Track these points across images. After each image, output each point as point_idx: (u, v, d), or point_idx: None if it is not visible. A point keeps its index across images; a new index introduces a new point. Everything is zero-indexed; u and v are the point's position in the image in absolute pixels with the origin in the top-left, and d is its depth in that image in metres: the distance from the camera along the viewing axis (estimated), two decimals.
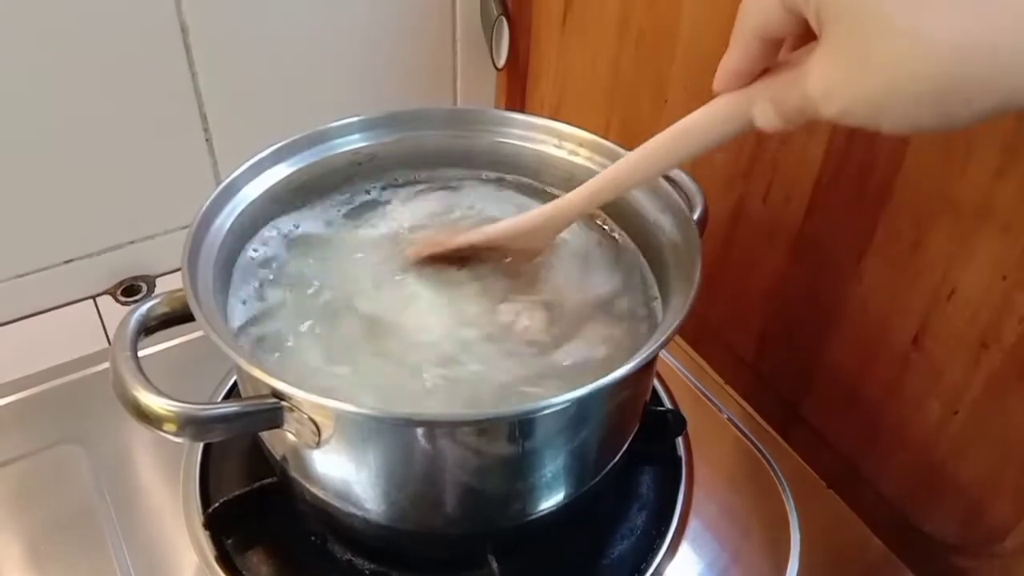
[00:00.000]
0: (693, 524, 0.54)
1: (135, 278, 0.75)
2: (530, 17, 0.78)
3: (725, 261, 0.65)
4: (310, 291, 0.51)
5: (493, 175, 0.60)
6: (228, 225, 0.49)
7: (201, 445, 0.57)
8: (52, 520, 0.54)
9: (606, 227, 0.56)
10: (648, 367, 0.49)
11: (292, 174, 0.54)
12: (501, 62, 0.81)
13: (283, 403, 0.40)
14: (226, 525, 0.51)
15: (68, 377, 0.63)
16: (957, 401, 0.50)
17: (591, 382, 0.39)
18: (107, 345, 0.72)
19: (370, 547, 0.51)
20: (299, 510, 0.51)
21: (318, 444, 0.41)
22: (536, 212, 0.49)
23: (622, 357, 0.39)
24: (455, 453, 0.42)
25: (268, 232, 0.54)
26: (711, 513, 0.55)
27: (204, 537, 0.51)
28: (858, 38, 0.30)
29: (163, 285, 0.76)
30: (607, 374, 0.39)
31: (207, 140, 0.72)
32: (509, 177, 0.59)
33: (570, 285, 0.51)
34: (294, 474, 0.47)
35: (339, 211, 0.57)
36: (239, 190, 0.51)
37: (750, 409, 0.63)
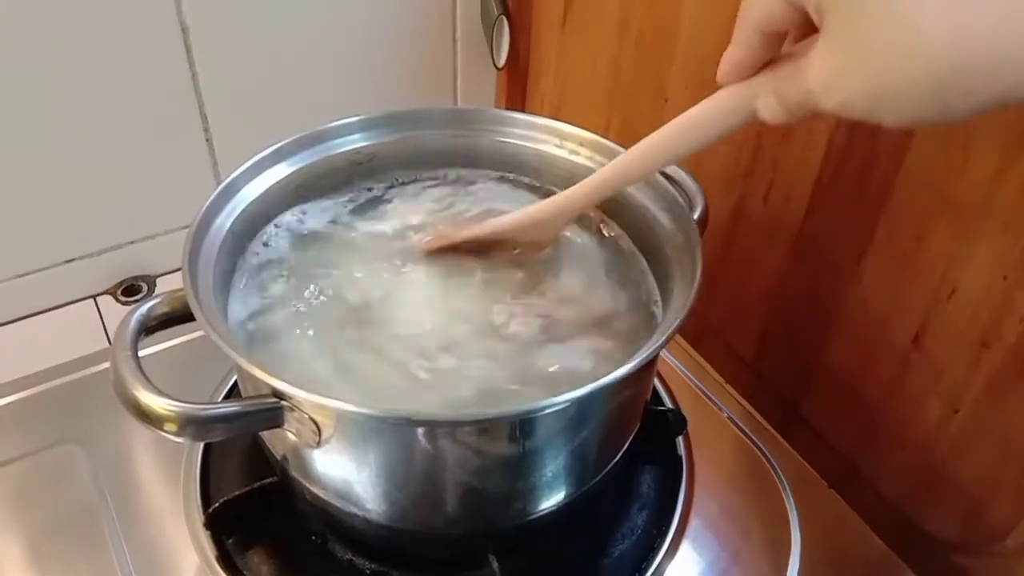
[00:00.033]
0: (694, 523, 0.54)
1: (135, 278, 0.75)
2: (530, 17, 0.78)
3: (725, 261, 0.65)
4: (310, 286, 0.51)
5: (495, 174, 0.60)
6: (228, 225, 0.49)
7: (201, 445, 0.57)
8: (52, 520, 0.54)
9: (612, 233, 0.56)
10: (649, 366, 0.49)
11: (292, 174, 0.54)
12: (501, 62, 0.81)
13: (283, 403, 0.40)
14: (227, 525, 0.51)
15: (68, 377, 0.63)
16: (957, 400, 0.50)
17: (588, 383, 0.39)
18: (107, 345, 0.72)
19: (371, 547, 0.51)
20: (300, 510, 0.51)
21: (318, 444, 0.41)
22: (543, 204, 0.50)
23: (607, 371, 0.39)
24: (456, 453, 0.42)
25: (271, 230, 0.54)
26: (712, 512, 0.55)
27: (205, 537, 0.51)
28: (857, 30, 0.31)
29: (163, 285, 0.76)
30: (606, 374, 0.39)
31: (207, 140, 0.72)
32: (511, 176, 0.59)
33: (569, 295, 0.51)
34: (295, 474, 0.47)
35: (344, 208, 0.57)
36: (239, 190, 0.51)
37: (750, 408, 0.63)
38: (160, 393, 0.38)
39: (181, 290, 0.43)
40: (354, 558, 0.51)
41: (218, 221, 0.49)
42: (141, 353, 0.41)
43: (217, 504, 0.51)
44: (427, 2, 0.76)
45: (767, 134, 0.57)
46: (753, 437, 0.60)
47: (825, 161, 0.53)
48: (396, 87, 0.79)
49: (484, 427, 0.41)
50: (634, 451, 0.51)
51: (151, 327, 0.44)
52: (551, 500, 0.46)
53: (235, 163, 0.51)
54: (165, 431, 0.38)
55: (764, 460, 0.59)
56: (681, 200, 0.50)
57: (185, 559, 0.51)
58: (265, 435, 0.48)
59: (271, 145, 0.53)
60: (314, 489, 0.46)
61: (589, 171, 0.53)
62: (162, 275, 0.76)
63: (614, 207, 0.55)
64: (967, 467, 0.51)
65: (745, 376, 0.66)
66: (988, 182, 0.44)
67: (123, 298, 0.74)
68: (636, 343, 0.47)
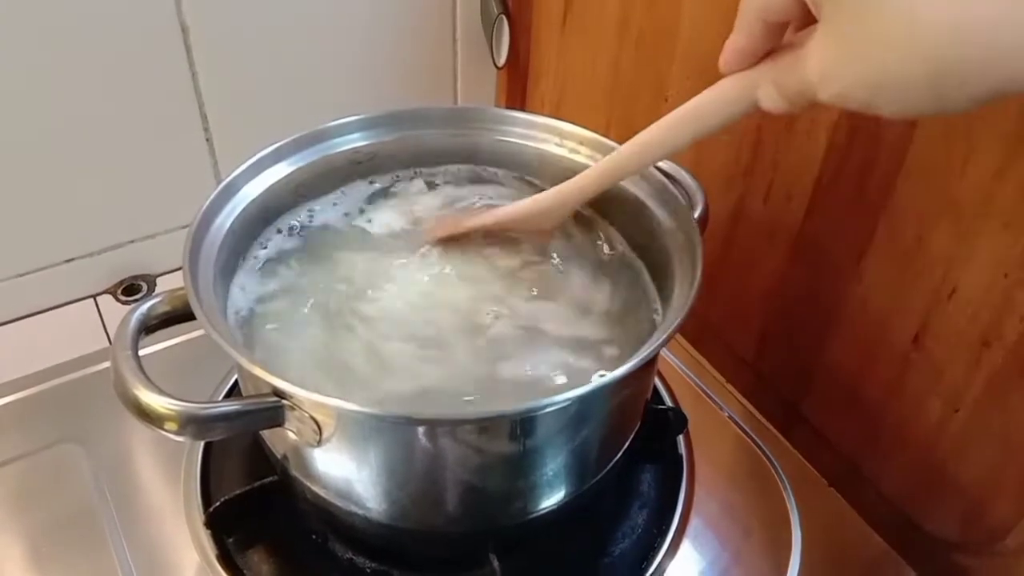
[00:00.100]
0: (694, 522, 0.54)
1: (135, 277, 0.75)
2: (530, 16, 0.78)
3: (725, 260, 0.65)
4: (310, 278, 0.52)
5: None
6: (228, 224, 0.49)
7: (202, 444, 0.57)
8: (53, 520, 0.54)
9: (618, 248, 0.56)
10: (649, 365, 0.49)
11: (292, 173, 0.54)
12: (501, 61, 0.81)
13: (284, 402, 0.40)
14: (227, 524, 0.51)
15: (68, 376, 0.63)
16: (958, 400, 0.50)
17: (587, 384, 0.39)
18: (107, 344, 0.72)
19: (371, 546, 0.51)
20: (300, 509, 0.51)
21: (319, 443, 0.41)
22: (546, 194, 0.50)
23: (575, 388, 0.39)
24: (456, 451, 0.42)
25: (272, 227, 0.54)
26: (712, 511, 0.55)
27: (205, 536, 0.51)
28: (855, 20, 0.31)
29: (163, 284, 0.76)
30: (606, 374, 0.39)
31: (207, 140, 0.72)
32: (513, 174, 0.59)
33: (562, 309, 0.50)
34: (295, 473, 0.47)
35: (347, 203, 0.57)
36: (239, 189, 0.51)
37: (751, 407, 0.63)
38: (161, 392, 0.38)
39: (181, 289, 0.43)
40: (355, 557, 0.51)
41: (218, 220, 0.49)
42: (141, 352, 0.41)
43: (217, 503, 0.51)
44: (427, 2, 0.76)
45: (767, 133, 0.57)
46: (754, 436, 0.60)
47: (825, 161, 0.53)
48: (396, 86, 0.79)
49: (485, 426, 0.41)
50: (635, 450, 0.51)
51: (151, 326, 0.44)
52: (552, 499, 0.46)
53: (235, 162, 0.51)
54: (166, 430, 0.38)
55: (765, 459, 0.59)
56: (681, 199, 0.50)
57: (185, 558, 0.51)
58: (265, 434, 0.48)
59: (271, 144, 0.53)
60: (315, 488, 0.46)
61: None
62: (162, 274, 0.76)
63: (614, 206, 0.55)
64: (967, 466, 0.51)
65: (745, 375, 0.66)
66: (988, 182, 0.44)
67: (123, 297, 0.74)
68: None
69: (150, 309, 0.44)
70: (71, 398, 0.62)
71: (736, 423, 0.62)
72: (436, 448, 0.41)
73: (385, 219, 0.56)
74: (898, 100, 0.31)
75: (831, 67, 0.32)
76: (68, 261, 0.71)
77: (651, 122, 0.44)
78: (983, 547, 0.51)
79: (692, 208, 0.50)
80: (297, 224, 0.55)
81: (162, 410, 0.38)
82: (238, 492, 0.51)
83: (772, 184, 0.58)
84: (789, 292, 0.60)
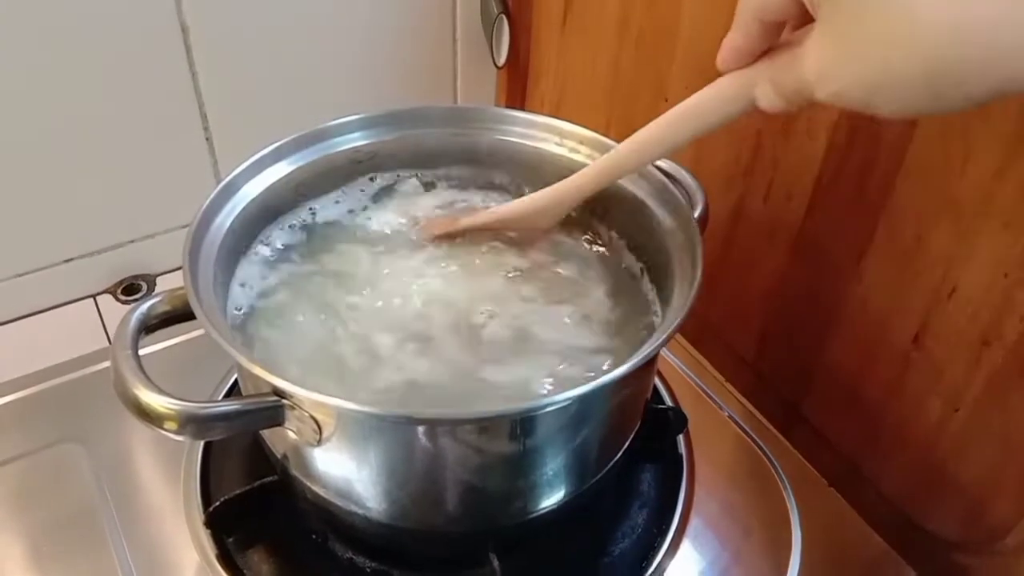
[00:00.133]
0: (694, 522, 0.54)
1: (135, 277, 0.75)
2: (530, 16, 0.78)
3: (725, 260, 0.65)
4: (309, 275, 0.52)
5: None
6: (229, 224, 0.49)
7: (202, 444, 0.57)
8: (53, 519, 0.54)
9: (619, 252, 0.55)
10: (649, 365, 0.49)
11: (292, 172, 0.54)
12: (501, 61, 0.81)
13: (284, 401, 0.40)
14: (227, 523, 0.51)
15: (68, 376, 0.63)
16: (958, 399, 0.50)
17: (588, 383, 0.39)
18: (107, 344, 0.72)
19: (371, 545, 0.51)
20: (300, 508, 0.51)
21: (319, 442, 0.41)
22: (542, 193, 0.50)
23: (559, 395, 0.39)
24: (456, 451, 0.42)
25: (273, 226, 0.54)
26: (712, 511, 0.55)
27: (205, 535, 0.51)
28: (853, 19, 0.30)
29: (163, 284, 0.76)
30: (606, 374, 0.39)
31: (207, 139, 0.72)
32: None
33: (558, 314, 0.50)
34: (295, 472, 0.47)
35: (349, 202, 0.57)
36: (239, 188, 0.51)
37: (751, 407, 0.63)
38: (161, 392, 0.38)
39: (181, 288, 0.43)
40: (354, 556, 0.51)
41: (218, 220, 0.49)
42: (141, 352, 0.41)
43: (217, 503, 0.51)
44: (427, 1, 0.76)
45: (767, 133, 0.57)
46: (754, 436, 0.60)
47: (825, 160, 0.53)
48: (396, 86, 0.79)
49: (485, 425, 0.41)
50: (635, 449, 0.51)
51: (151, 326, 0.44)
52: (552, 498, 0.46)
53: (235, 162, 0.51)
54: (165, 430, 0.38)
55: (765, 459, 0.59)
56: (682, 198, 0.50)
57: (185, 558, 0.51)
58: (265, 434, 0.48)
59: (271, 144, 0.53)
60: (314, 488, 0.46)
61: None
62: (162, 274, 0.76)
63: (614, 205, 0.55)
64: (968, 466, 0.51)
65: (745, 375, 0.66)
66: (988, 181, 0.44)
67: (123, 297, 0.74)
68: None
69: (150, 309, 0.44)
70: (71, 398, 0.62)
71: (736, 423, 0.62)
72: (436, 448, 0.41)
73: (386, 218, 0.56)
74: (896, 99, 0.31)
75: (828, 66, 0.32)
76: (68, 261, 0.71)
77: (651, 121, 0.44)
78: (983, 546, 0.51)
79: (692, 208, 0.50)
80: (297, 222, 0.55)
81: (162, 409, 0.38)
82: (238, 492, 0.51)
83: (772, 184, 0.58)
84: (789, 292, 0.60)
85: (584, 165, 0.55)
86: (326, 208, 0.56)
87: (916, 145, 0.47)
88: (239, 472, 0.55)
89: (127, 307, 0.45)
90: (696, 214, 0.50)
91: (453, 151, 0.59)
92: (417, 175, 0.59)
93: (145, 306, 0.44)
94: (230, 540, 0.51)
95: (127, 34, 0.64)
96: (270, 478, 0.51)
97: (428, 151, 0.59)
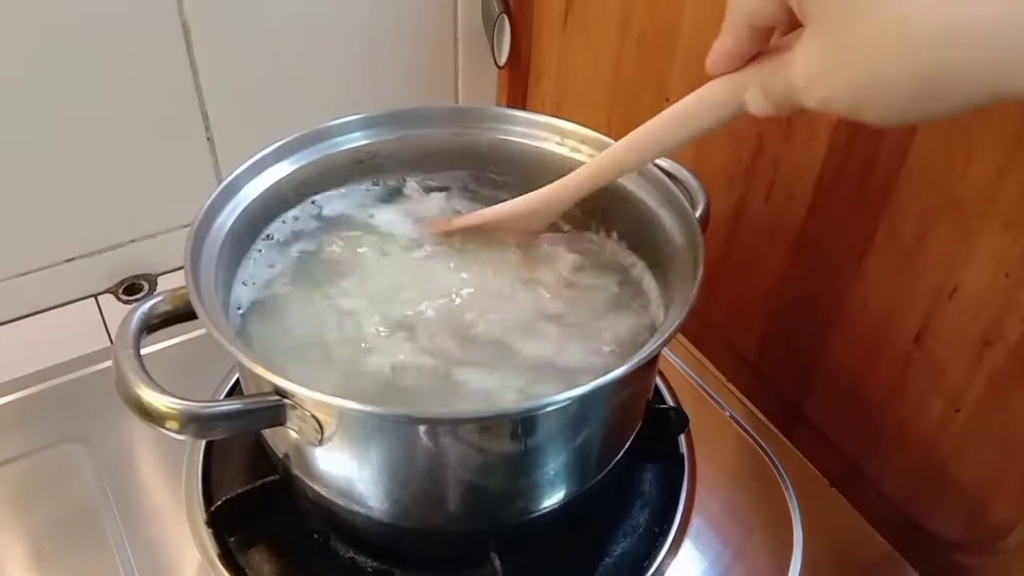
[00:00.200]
0: (696, 522, 0.54)
1: (137, 277, 0.75)
2: (531, 15, 0.78)
3: (727, 260, 0.65)
4: (309, 273, 0.53)
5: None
6: (230, 223, 0.49)
7: (203, 443, 0.57)
8: (54, 519, 0.54)
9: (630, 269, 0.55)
10: (650, 365, 0.49)
11: (293, 172, 0.54)
12: (502, 60, 0.81)
13: (286, 400, 0.40)
14: (228, 523, 0.51)
15: (70, 376, 0.63)
16: (959, 399, 0.50)
17: (589, 381, 0.39)
18: (109, 344, 0.72)
19: (372, 545, 0.51)
20: (302, 508, 0.51)
21: (320, 441, 0.41)
22: (535, 194, 0.50)
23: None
24: (457, 450, 0.42)
25: (274, 224, 0.54)
26: (713, 511, 0.55)
27: (207, 535, 0.51)
28: (841, 24, 0.30)
29: (164, 284, 0.76)
30: (606, 373, 0.39)
31: (208, 139, 0.72)
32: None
33: (550, 334, 0.49)
34: (296, 472, 0.47)
35: (350, 201, 0.58)
36: (240, 188, 0.51)
37: (752, 407, 0.63)
38: (162, 391, 0.38)
39: (183, 288, 0.43)
40: (356, 556, 0.51)
41: (219, 219, 0.49)
42: (143, 351, 0.41)
43: (219, 502, 0.51)
44: (428, 1, 0.76)
45: (768, 133, 0.57)
46: (755, 436, 0.60)
47: (827, 160, 0.53)
48: (397, 86, 0.79)
49: (486, 425, 0.41)
50: (636, 449, 0.51)
51: (153, 325, 0.44)
52: (553, 498, 0.46)
53: (236, 161, 0.51)
54: (167, 429, 0.38)
55: (766, 458, 0.59)
56: (683, 198, 0.50)
57: (187, 557, 0.51)
58: (267, 433, 0.48)
59: (272, 143, 0.53)
60: (316, 487, 0.46)
61: None
62: (163, 274, 0.76)
63: (615, 204, 0.55)
64: (969, 466, 0.51)
65: (747, 375, 0.66)
66: (989, 181, 0.44)
67: (124, 297, 0.74)
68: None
69: (151, 308, 0.44)
70: (72, 397, 0.62)
71: (737, 423, 0.62)
72: (437, 447, 0.41)
73: (387, 217, 0.56)
74: (886, 107, 0.30)
75: (816, 72, 0.32)
76: (69, 260, 0.71)
77: (641, 125, 0.44)
78: (984, 546, 0.51)
79: (694, 207, 0.50)
80: (298, 221, 0.55)
81: (164, 409, 0.38)
82: (240, 491, 0.51)
83: (773, 183, 0.58)
84: (790, 291, 0.60)
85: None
86: (331, 202, 0.57)
87: (917, 145, 0.47)
88: (241, 471, 0.55)
89: (128, 307, 0.45)
90: (697, 214, 0.50)
91: (454, 151, 0.59)
92: (418, 176, 0.59)
93: (147, 306, 0.44)
94: (232, 539, 0.51)
95: (128, 33, 0.64)
96: (272, 477, 0.51)
97: (429, 151, 0.59)
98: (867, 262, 0.53)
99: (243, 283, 0.51)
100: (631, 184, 0.53)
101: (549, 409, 0.40)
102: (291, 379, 0.38)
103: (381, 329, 0.48)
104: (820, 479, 0.58)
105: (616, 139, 0.54)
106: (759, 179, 0.59)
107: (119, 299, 0.74)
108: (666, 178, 0.51)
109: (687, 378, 0.65)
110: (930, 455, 0.53)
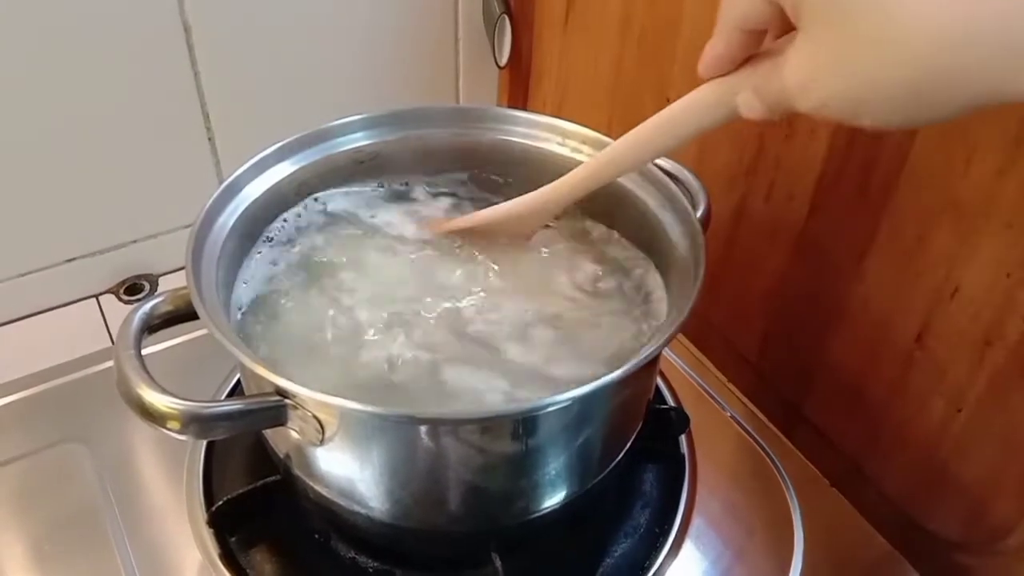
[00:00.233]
0: (696, 522, 0.54)
1: (138, 277, 0.75)
2: (532, 15, 0.78)
3: (727, 260, 0.65)
4: (309, 272, 0.53)
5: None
6: (231, 223, 0.49)
7: (204, 443, 0.57)
8: (55, 519, 0.54)
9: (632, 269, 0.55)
10: (651, 365, 0.49)
11: (295, 172, 0.54)
12: (503, 60, 0.81)
13: (287, 401, 0.40)
14: (230, 523, 0.51)
15: (71, 376, 0.63)
16: (960, 399, 0.50)
17: (591, 381, 0.39)
18: (110, 344, 0.72)
19: (374, 545, 0.51)
20: (303, 508, 0.51)
21: (322, 442, 0.41)
22: (529, 196, 0.50)
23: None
24: (459, 451, 0.42)
25: (275, 224, 0.54)
26: (714, 511, 0.55)
27: (208, 535, 0.51)
28: (835, 26, 0.29)
29: (165, 284, 0.76)
30: (607, 373, 0.39)
31: (209, 139, 0.72)
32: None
33: (547, 336, 0.49)
34: (298, 472, 0.47)
35: (351, 200, 0.58)
36: (241, 188, 0.51)
37: (753, 407, 0.63)
38: (164, 391, 0.38)
39: (184, 288, 0.43)
40: (357, 556, 0.51)
41: (221, 220, 0.49)
42: (144, 352, 0.41)
43: (220, 502, 0.51)
44: (429, 1, 0.76)
45: (769, 133, 0.57)
46: (756, 436, 0.60)
47: (827, 160, 0.53)
48: (398, 86, 0.79)
49: (487, 425, 0.41)
50: (637, 449, 0.51)
51: (154, 326, 0.44)
52: (554, 498, 0.46)
53: (237, 162, 0.51)
54: (168, 429, 0.38)
55: (767, 459, 0.59)
56: (684, 198, 0.50)
57: (188, 557, 0.51)
58: (268, 433, 0.48)
59: (274, 144, 0.53)
60: (317, 487, 0.46)
61: None
62: (164, 274, 0.76)
63: (616, 204, 0.55)
64: (970, 466, 0.51)
65: (747, 375, 0.66)
66: (990, 181, 0.44)
67: (125, 297, 0.74)
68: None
69: (153, 309, 0.44)
70: (74, 398, 0.62)
71: (738, 423, 0.62)
72: (438, 447, 0.41)
73: (387, 217, 0.57)
74: (881, 111, 0.30)
75: (811, 77, 0.31)
76: (70, 261, 0.71)
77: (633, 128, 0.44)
78: (985, 547, 0.51)
79: (695, 208, 0.50)
80: (299, 220, 0.55)
81: (165, 409, 0.38)
82: (241, 491, 0.51)
83: (774, 183, 0.58)
84: (791, 292, 0.60)
85: None
86: (333, 200, 0.57)
87: (918, 145, 0.47)
88: (242, 471, 0.55)
89: (130, 307, 0.45)
90: (698, 214, 0.50)
91: (455, 151, 0.59)
92: (420, 177, 0.59)
93: (148, 306, 0.44)
94: (233, 539, 0.51)
95: (129, 34, 0.64)
96: (273, 478, 0.51)
97: (430, 151, 0.59)
98: (868, 262, 0.53)
99: (244, 283, 0.51)
100: (632, 184, 0.53)
101: (550, 409, 0.40)
102: (292, 379, 0.38)
103: (380, 327, 0.48)
104: (821, 479, 0.58)
105: (616, 139, 0.54)
106: (760, 179, 0.59)
107: (120, 299, 0.74)
108: (667, 178, 0.51)
109: (688, 378, 0.65)
110: (931, 455, 0.53)
